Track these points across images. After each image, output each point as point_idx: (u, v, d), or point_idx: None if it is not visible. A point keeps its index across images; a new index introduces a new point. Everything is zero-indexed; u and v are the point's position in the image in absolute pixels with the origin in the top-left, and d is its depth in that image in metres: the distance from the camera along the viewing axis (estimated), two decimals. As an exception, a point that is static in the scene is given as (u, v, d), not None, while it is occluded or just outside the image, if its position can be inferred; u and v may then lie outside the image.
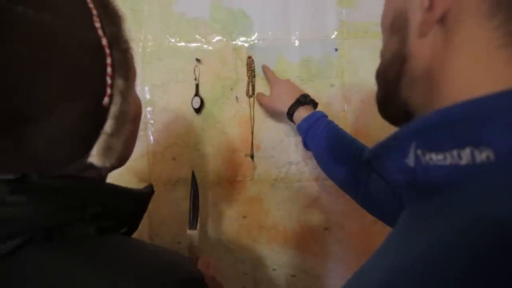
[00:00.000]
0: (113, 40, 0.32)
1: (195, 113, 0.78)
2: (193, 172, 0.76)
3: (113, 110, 0.32)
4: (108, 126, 0.32)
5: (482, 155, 0.23)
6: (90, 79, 0.31)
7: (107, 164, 0.34)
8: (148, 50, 0.78)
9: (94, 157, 0.32)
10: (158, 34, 0.78)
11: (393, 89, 0.34)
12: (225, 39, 0.78)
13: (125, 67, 0.34)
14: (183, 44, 0.78)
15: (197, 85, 0.78)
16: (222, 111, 0.79)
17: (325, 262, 0.83)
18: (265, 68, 0.77)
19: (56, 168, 0.32)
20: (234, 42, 0.78)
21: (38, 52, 0.27)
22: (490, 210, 0.21)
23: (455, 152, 0.24)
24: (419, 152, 0.26)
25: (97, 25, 0.31)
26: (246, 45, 0.78)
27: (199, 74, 0.78)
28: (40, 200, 0.31)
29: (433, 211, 0.25)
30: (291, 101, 0.69)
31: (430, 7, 0.28)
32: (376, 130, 0.81)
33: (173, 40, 0.78)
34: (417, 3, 0.30)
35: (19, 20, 0.26)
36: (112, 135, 0.33)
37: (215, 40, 0.78)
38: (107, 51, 0.31)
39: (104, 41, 0.31)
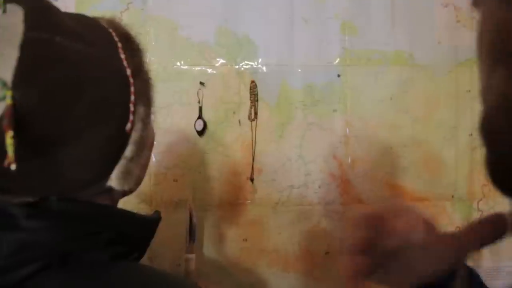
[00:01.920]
0: (135, 70, 0.34)
1: (198, 136, 0.79)
2: (189, 196, 0.77)
3: (134, 136, 0.34)
4: (128, 151, 0.34)
5: None
6: (116, 105, 0.33)
7: (126, 188, 0.36)
8: (153, 72, 0.78)
9: (114, 180, 0.34)
10: (163, 57, 0.79)
11: (507, 149, 0.21)
12: (229, 64, 0.79)
13: (146, 95, 0.36)
14: (187, 67, 0.79)
15: (200, 108, 0.78)
16: (224, 134, 0.79)
17: (325, 287, 0.82)
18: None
19: (77, 190, 0.33)
20: (237, 67, 0.79)
21: (72, 78, 0.29)
22: None
23: None
24: None
25: (122, 56, 0.33)
26: (250, 70, 0.79)
27: (203, 97, 0.79)
28: (58, 226, 0.31)
29: None
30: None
31: None
32: (377, 155, 0.81)
33: (178, 63, 0.79)
34: None
35: (58, 49, 0.28)
36: (131, 159, 0.34)
37: (219, 64, 0.79)
38: (131, 80, 0.33)
39: (128, 71, 0.33)
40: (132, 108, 0.34)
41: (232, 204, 0.80)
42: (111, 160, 0.34)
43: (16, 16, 0.27)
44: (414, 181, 0.83)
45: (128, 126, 0.34)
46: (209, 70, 0.79)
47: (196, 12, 0.78)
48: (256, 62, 0.79)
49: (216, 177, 0.79)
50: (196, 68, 0.79)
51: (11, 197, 0.30)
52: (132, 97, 0.34)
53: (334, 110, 0.80)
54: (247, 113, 0.79)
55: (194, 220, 0.75)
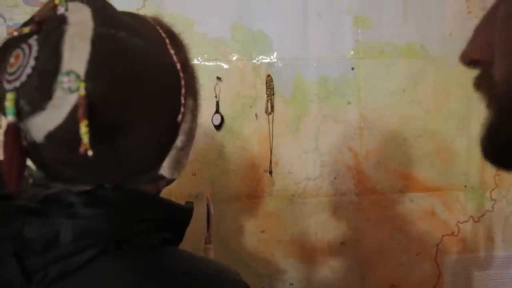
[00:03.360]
0: (183, 65, 0.36)
1: (216, 130, 0.80)
2: (207, 187, 0.78)
3: (184, 126, 0.36)
4: (179, 141, 0.36)
5: None
6: (170, 97, 0.35)
7: (175, 176, 0.37)
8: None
9: (165, 169, 0.36)
10: (179, 53, 0.80)
11: None
12: (245, 59, 0.80)
13: (194, 88, 0.38)
14: (204, 63, 0.80)
15: (217, 103, 0.80)
16: (241, 128, 0.81)
17: (341, 276, 0.84)
18: None
19: (132, 178, 0.35)
20: (253, 61, 0.80)
21: (134, 71, 0.30)
22: None
23: None
24: None
25: (172, 51, 0.35)
26: (266, 64, 0.81)
27: (220, 92, 0.80)
28: (112, 214, 0.33)
29: None
30: None
31: None
32: (391, 146, 0.83)
33: (194, 59, 0.80)
34: None
35: (122, 43, 0.30)
36: (182, 149, 0.36)
37: (235, 59, 0.80)
38: (181, 74, 0.35)
39: (178, 66, 0.35)
40: (183, 100, 0.36)
41: (250, 196, 0.82)
42: (164, 150, 0.36)
43: (84, 14, 0.29)
44: (427, 171, 0.85)
45: (180, 117, 0.35)
46: (225, 65, 0.80)
47: (211, 8, 0.80)
48: (271, 57, 0.80)
49: (234, 171, 0.81)
50: (212, 64, 0.80)
51: (70, 186, 0.32)
52: (183, 90, 0.36)
53: (349, 102, 0.82)
54: (263, 107, 0.81)
55: (211, 210, 0.77)
